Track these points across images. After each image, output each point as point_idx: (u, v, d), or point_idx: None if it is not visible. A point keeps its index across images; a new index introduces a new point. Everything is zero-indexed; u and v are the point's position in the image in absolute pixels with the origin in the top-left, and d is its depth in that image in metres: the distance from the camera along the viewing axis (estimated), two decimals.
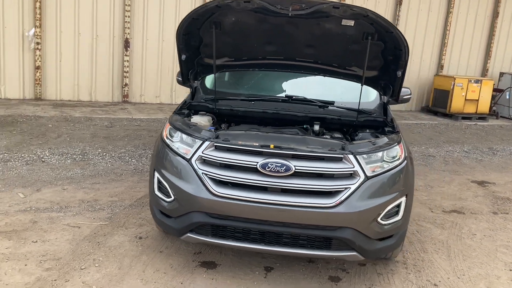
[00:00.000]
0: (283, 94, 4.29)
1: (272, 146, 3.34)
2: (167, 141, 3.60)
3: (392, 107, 13.14)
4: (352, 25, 3.55)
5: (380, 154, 3.47)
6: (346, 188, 3.29)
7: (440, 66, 13.62)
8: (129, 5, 10.36)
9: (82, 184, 5.46)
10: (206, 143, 3.42)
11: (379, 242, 3.47)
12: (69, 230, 4.23)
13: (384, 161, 3.48)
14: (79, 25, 10.15)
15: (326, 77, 4.25)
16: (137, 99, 10.96)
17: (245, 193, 3.28)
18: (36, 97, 10.03)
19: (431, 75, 13.49)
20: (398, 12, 12.64)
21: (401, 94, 4.59)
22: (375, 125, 4.00)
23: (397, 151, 3.58)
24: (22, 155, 6.30)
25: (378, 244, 3.46)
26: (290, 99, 4.20)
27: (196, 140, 3.46)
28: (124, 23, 10.41)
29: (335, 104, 4.18)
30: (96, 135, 7.72)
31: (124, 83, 10.73)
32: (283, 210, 3.25)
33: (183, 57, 4.01)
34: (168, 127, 3.71)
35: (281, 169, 3.25)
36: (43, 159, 6.22)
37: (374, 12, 3.41)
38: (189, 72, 4.20)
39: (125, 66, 10.61)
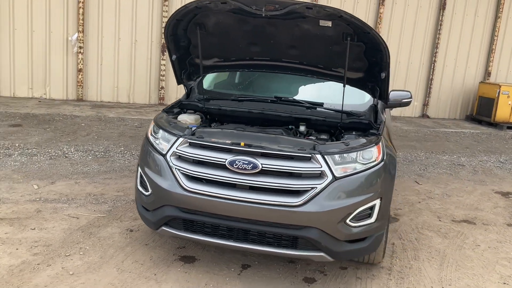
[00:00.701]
0: (275, 95, 4.32)
1: (242, 144, 3.40)
2: (150, 138, 3.75)
3: (434, 116, 12.93)
4: (330, 25, 3.54)
5: (352, 155, 3.43)
6: (312, 188, 3.29)
7: (487, 73, 13.03)
8: (166, 11, 10.74)
9: (94, 178, 5.74)
10: (180, 139, 3.53)
11: (349, 244, 3.43)
12: (67, 220, 4.48)
13: (357, 162, 3.44)
14: (119, 30, 10.64)
15: (320, 79, 4.24)
16: (172, 101, 11.29)
17: (214, 189, 3.36)
18: (78, 98, 10.60)
19: (477, 82, 12.93)
20: (442, 17, 12.25)
21: (399, 97, 4.54)
22: (360, 127, 3.94)
23: (373, 153, 3.52)
24: (49, 150, 6.70)
25: (348, 246, 3.42)
26: (278, 100, 4.23)
27: (172, 136, 3.58)
28: (161, 28, 10.80)
29: (324, 106, 4.17)
30: (123, 134, 8.06)
31: (160, 86, 11.11)
32: (250, 207, 3.29)
33: (173, 57, 4.16)
34: (152, 124, 3.86)
35: (248, 167, 3.30)
36: (66, 155, 6.59)
37: (348, 13, 3.39)
38: (182, 72, 4.33)
39: (161, 70, 10.99)
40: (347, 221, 3.35)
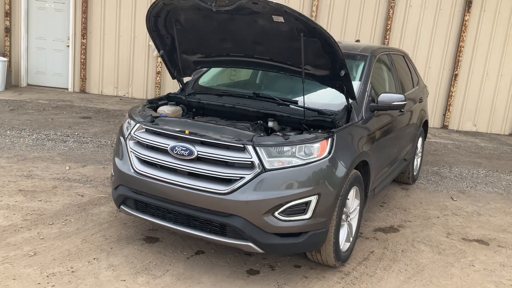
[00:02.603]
0: (254, 91, 4.43)
1: (187, 132, 3.59)
2: (124, 125, 4.09)
3: (497, 131, 11.40)
4: (283, 21, 3.58)
5: (288, 148, 3.43)
6: (241, 178, 3.36)
7: None
8: None
9: None
10: (137, 125, 3.83)
11: (279, 237, 3.42)
12: (73, 197, 5.02)
13: (295, 156, 3.43)
14: None
15: (293, 76, 4.26)
16: None
17: (157, 173, 3.60)
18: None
19: None
20: None
21: (390, 100, 4.37)
22: (324, 125, 3.88)
23: (316, 148, 3.48)
24: (100, 140, 7.46)
25: (277, 239, 3.42)
26: (256, 96, 4.33)
27: (132, 122, 3.90)
28: None
29: (298, 104, 4.17)
30: None
31: None
32: (185, 191, 3.47)
33: (161, 52, 4.48)
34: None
35: (185, 153, 3.48)
36: (113, 145, 7.28)
37: (291, 8, 3.41)
38: (173, 67, 4.64)
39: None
40: (276, 213, 3.36)
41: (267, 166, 3.36)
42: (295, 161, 3.42)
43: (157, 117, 3.94)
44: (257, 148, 3.38)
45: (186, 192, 3.47)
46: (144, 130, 3.80)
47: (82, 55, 11.14)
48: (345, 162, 3.66)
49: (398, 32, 11.01)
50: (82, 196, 5.07)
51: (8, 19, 11.01)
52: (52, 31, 11.18)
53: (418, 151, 6.67)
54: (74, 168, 5.99)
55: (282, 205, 3.36)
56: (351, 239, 4.11)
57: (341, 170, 3.61)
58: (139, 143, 3.79)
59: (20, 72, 11.25)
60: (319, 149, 3.49)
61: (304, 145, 3.46)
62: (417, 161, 6.72)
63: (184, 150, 3.48)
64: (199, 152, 3.46)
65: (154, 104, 4.45)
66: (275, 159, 3.40)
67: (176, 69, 4.65)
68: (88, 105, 10.00)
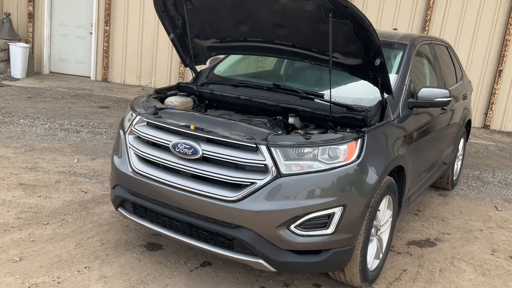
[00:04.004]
0: (274, 82, 3.89)
1: (192, 127, 3.09)
2: (125, 117, 3.63)
3: None
4: None
5: (309, 150, 2.89)
6: (252, 183, 2.85)
7: None
8: None
9: None
10: (138, 117, 3.36)
11: (295, 255, 2.89)
12: (75, 193, 4.61)
13: (318, 160, 2.89)
14: None
15: (319, 65, 3.70)
16: None
17: (158, 173, 3.13)
18: None
19: None
20: None
21: (432, 95, 3.77)
22: (353, 123, 3.32)
23: (342, 151, 2.93)
24: (115, 131, 7.06)
25: (293, 257, 2.89)
26: (275, 87, 3.79)
27: (133, 114, 3.43)
28: None
29: (324, 98, 3.62)
30: None
31: None
32: (187, 197, 2.99)
33: (171, 36, 3.99)
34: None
35: (188, 151, 2.99)
36: None
37: None
38: (185, 53, 4.14)
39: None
40: (292, 227, 2.83)
41: (283, 170, 2.84)
42: (317, 166, 2.88)
43: (162, 109, 3.47)
44: (272, 149, 2.85)
45: (189, 197, 2.98)
46: (145, 123, 3.32)
47: (105, 43, 10.80)
48: (377, 168, 3.09)
49: (439, 23, 10.23)
50: (86, 192, 4.65)
51: (32, 4, 10.76)
52: (76, 17, 10.88)
53: (459, 154, 6.00)
54: (82, 161, 5.60)
55: (299, 217, 2.83)
56: (381, 255, 3.55)
57: (372, 177, 3.05)
58: (139, 138, 3.32)
59: (43, 59, 11.01)
60: (346, 152, 2.94)
61: (328, 146, 2.92)
62: (457, 165, 6.05)
63: (188, 149, 2.99)
64: (204, 152, 2.96)
65: (162, 94, 3.97)
66: (293, 162, 2.87)
67: (188, 55, 4.15)
68: (108, 94, 9.65)
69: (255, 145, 2.87)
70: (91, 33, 10.82)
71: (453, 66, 5.58)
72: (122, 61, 10.99)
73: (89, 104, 8.64)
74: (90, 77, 11.05)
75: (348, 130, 3.24)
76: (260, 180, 2.83)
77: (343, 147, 2.94)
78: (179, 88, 4.12)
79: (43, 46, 10.96)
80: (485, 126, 10.61)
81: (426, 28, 10.14)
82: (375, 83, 3.41)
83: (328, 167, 2.88)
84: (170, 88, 4.12)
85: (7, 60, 10.15)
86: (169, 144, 3.08)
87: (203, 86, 4.08)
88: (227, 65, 4.60)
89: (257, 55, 4.12)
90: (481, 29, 10.20)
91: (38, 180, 4.84)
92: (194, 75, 4.33)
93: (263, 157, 2.85)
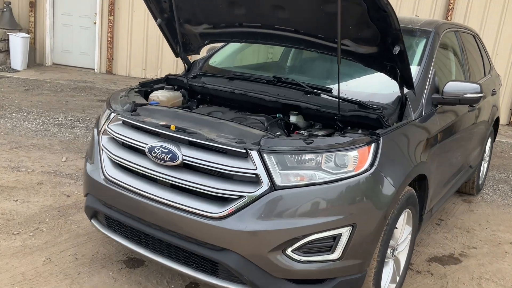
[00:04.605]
0: (275, 75, 3.36)
1: (172, 127, 2.59)
2: (101, 115, 3.16)
3: None
4: None
5: (311, 157, 2.37)
6: (240, 197, 2.34)
7: None
8: None
9: None
10: (112, 115, 2.87)
11: (293, 284, 2.39)
12: (56, 197, 4.15)
13: (321, 169, 2.37)
14: None
15: (326, 54, 3.16)
16: None
17: (133, 182, 2.65)
18: None
19: None
20: None
21: (460, 90, 3.21)
22: (366, 123, 2.79)
23: (352, 158, 2.40)
24: None
25: (290, 287, 2.38)
26: (276, 80, 3.27)
27: (108, 111, 2.94)
28: None
29: (332, 93, 3.08)
30: None
31: None
32: (165, 211, 2.50)
33: (158, 21, 3.50)
34: None
35: (166, 157, 2.49)
36: None
37: None
38: (175, 41, 3.64)
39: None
40: (289, 251, 2.33)
41: (278, 181, 2.32)
42: (320, 176, 2.36)
43: (143, 105, 2.97)
44: (265, 155, 2.34)
45: (167, 212, 2.49)
46: (120, 122, 2.83)
47: (109, 33, 10.35)
48: (395, 179, 2.56)
49: (462, 12, 9.54)
50: (68, 196, 4.20)
51: None
52: (79, 6, 10.44)
53: (485, 155, 5.40)
54: (71, 159, 5.15)
55: (297, 239, 2.32)
56: (398, 278, 3.03)
57: (388, 190, 2.52)
58: (113, 140, 2.84)
59: (45, 50, 10.61)
60: (356, 159, 2.41)
61: (334, 152, 2.39)
62: (483, 167, 5.46)
63: (166, 153, 2.49)
64: (185, 157, 2.46)
65: (148, 87, 3.47)
66: (291, 172, 2.35)
67: (178, 44, 3.65)
68: (110, 87, 9.21)
69: (244, 150, 2.36)
70: (95, 23, 10.38)
71: (481, 58, 4.98)
72: (127, 53, 10.54)
73: (89, 97, 8.20)
74: (94, 69, 10.62)
75: (359, 131, 2.71)
76: (250, 193, 2.33)
77: (353, 153, 2.41)
78: (168, 81, 3.63)
79: (46, 37, 10.55)
80: (511, 123, 9.92)
81: (449, 18, 9.47)
82: (393, 76, 2.87)
83: (334, 178, 2.36)
84: (157, 81, 3.63)
85: (7, 51, 9.78)
86: (144, 148, 2.58)
87: (195, 78, 3.58)
88: (225, 55, 4.09)
89: (255, 42, 3.60)
90: (508, 19, 9.48)
91: (18, 181, 4.40)
92: (186, 66, 3.83)
93: (254, 165, 2.34)
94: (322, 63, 3.97)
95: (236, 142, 2.43)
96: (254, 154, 2.34)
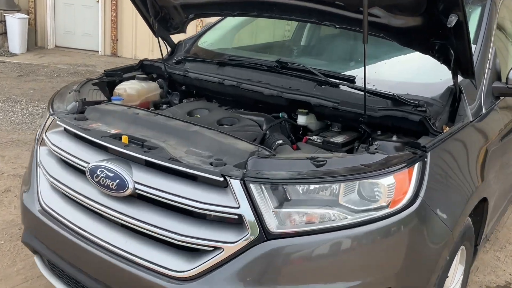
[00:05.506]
0: (278, 59, 2.52)
1: (125, 139, 1.81)
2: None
3: None
4: None
5: (323, 187, 1.55)
6: (215, 249, 1.56)
7: None
8: None
9: None
10: (50, 119, 2.11)
11: None
12: None
13: (338, 205, 1.56)
14: None
15: (348, 29, 2.31)
16: None
17: (72, 217, 1.88)
18: None
19: None
20: None
21: None
22: (405, 127, 1.96)
23: (384, 188, 1.58)
24: None
25: None
26: (280, 66, 2.43)
27: (47, 114, 2.18)
28: None
29: (355, 83, 2.24)
30: None
31: None
32: (109, 263, 1.73)
33: None
34: None
35: (111, 183, 1.71)
36: None
37: None
38: (152, 17, 2.83)
39: None
40: None
41: (272, 226, 1.53)
42: (337, 217, 1.54)
43: (98, 103, 2.20)
44: (252, 185, 1.54)
45: (112, 264, 1.72)
46: (62, 129, 2.06)
47: (112, 12, 9.57)
48: (450, 213, 1.75)
49: None
50: None
51: None
52: None
53: None
54: None
55: None
56: None
57: (440, 233, 1.70)
58: (52, 154, 2.07)
59: (47, 32, 9.91)
60: (392, 189, 1.59)
61: (357, 181, 1.57)
62: None
63: (111, 179, 1.71)
64: (138, 185, 1.68)
65: (115, 77, 2.69)
66: (292, 210, 1.55)
67: (157, 20, 2.83)
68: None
69: (221, 178, 1.56)
70: (98, 1, 9.60)
71: None
72: (132, 33, 9.75)
73: None
74: (98, 52, 9.89)
75: (395, 139, 1.88)
76: (230, 243, 1.54)
77: (387, 180, 1.58)
78: (142, 68, 2.84)
79: (46, 17, 9.83)
80: None
81: None
82: (444, 59, 2.01)
83: (358, 220, 1.55)
84: (129, 68, 2.85)
85: (5, 33, 9.11)
86: (85, 168, 1.81)
87: (178, 64, 2.78)
88: (221, 32, 3.27)
89: (251, 15, 2.77)
90: None
91: None
92: (168, 48, 3.02)
93: (236, 201, 1.54)
94: (344, 43, 3.12)
95: (211, 164, 1.63)
96: (236, 184, 1.54)
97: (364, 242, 1.55)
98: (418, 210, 1.61)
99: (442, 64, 2.05)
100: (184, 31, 3.03)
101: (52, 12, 9.85)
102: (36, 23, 9.83)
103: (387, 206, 1.58)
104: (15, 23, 8.87)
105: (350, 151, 2.01)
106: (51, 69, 8.12)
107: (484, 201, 2.21)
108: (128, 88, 2.55)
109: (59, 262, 1.97)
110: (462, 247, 2.08)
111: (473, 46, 2.38)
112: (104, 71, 2.73)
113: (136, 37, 9.75)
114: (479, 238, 2.42)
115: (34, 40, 9.69)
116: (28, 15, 9.45)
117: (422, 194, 1.63)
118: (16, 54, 8.96)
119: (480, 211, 2.30)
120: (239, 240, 1.53)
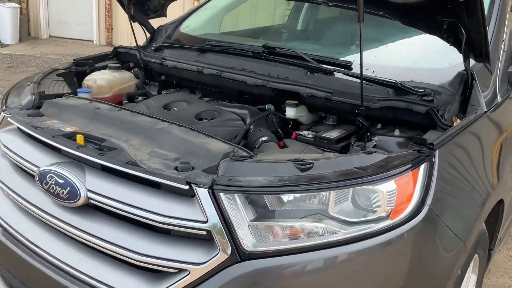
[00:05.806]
0: (264, 44, 2.23)
1: (80, 139, 1.55)
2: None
3: None
4: None
5: (310, 196, 1.29)
6: (180, 271, 1.30)
7: None
8: None
9: None
10: (3, 115, 1.85)
11: None
12: None
13: (328, 216, 1.29)
14: None
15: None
16: None
17: (25, 230, 1.63)
18: None
19: None
20: None
21: None
22: (408, 119, 1.68)
23: (383, 195, 1.31)
24: None
25: None
26: (267, 52, 2.14)
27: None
28: None
29: (351, 69, 1.95)
30: None
31: None
32: (57, 284, 1.48)
33: None
34: None
35: (61, 191, 1.45)
36: None
37: None
38: (127, 0, 2.56)
39: None
40: None
41: (248, 243, 1.27)
42: (326, 231, 1.28)
43: (59, 96, 1.94)
44: (223, 195, 1.27)
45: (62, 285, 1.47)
46: (15, 127, 1.80)
47: (106, 0, 9.27)
48: (462, 222, 1.50)
49: None
50: None
51: None
52: None
53: None
54: None
55: None
56: None
57: (451, 246, 1.45)
58: (4, 156, 1.81)
59: (40, 22, 9.62)
60: (393, 197, 1.32)
61: (351, 187, 1.30)
62: None
63: (61, 186, 1.45)
64: (91, 194, 1.42)
65: (86, 67, 2.43)
66: (272, 223, 1.29)
67: (132, 1, 2.56)
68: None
69: (187, 186, 1.30)
70: None
71: None
72: (127, 21, 9.39)
73: None
74: (93, 41, 9.60)
75: (397, 133, 1.61)
76: (197, 265, 1.28)
77: (386, 186, 1.31)
78: (117, 55, 2.57)
79: (39, 6, 9.54)
80: None
81: None
82: (454, 40, 1.72)
83: (352, 235, 1.28)
84: (102, 57, 2.58)
85: None
86: (35, 173, 1.55)
87: (156, 52, 2.51)
88: (208, 15, 2.99)
89: None
90: None
91: None
92: (147, 34, 2.75)
93: (203, 214, 1.27)
94: (344, 26, 2.83)
95: (176, 168, 1.36)
96: (203, 193, 1.27)
97: (360, 262, 1.28)
98: (425, 221, 1.34)
99: (452, 46, 1.76)
100: (164, 14, 2.77)
101: (45, 1, 9.56)
102: (29, 12, 9.55)
103: (387, 217, 1.31)
104: (6, 13, 8.60)
105: (346, 148, 1.75)
106: (43, 60, 7.85)
107: (499, 202, 1.93)
108: (99, 79, 2.29)
109: (13, 281, 1.72)
110: (476, 255, 1.81)
111: None
112: (74, 60, 2.46)
113: (132, 25, 9.45)
114: (493, 242, 2.16)
115: (27, 30, 9.41)
116: (20, 4, 9.17)
117: (429, 201, 1.36)
118: (7, 45, 8.71)
119: (495, 213, 2.03)
120: (208, 261, 1.27)
